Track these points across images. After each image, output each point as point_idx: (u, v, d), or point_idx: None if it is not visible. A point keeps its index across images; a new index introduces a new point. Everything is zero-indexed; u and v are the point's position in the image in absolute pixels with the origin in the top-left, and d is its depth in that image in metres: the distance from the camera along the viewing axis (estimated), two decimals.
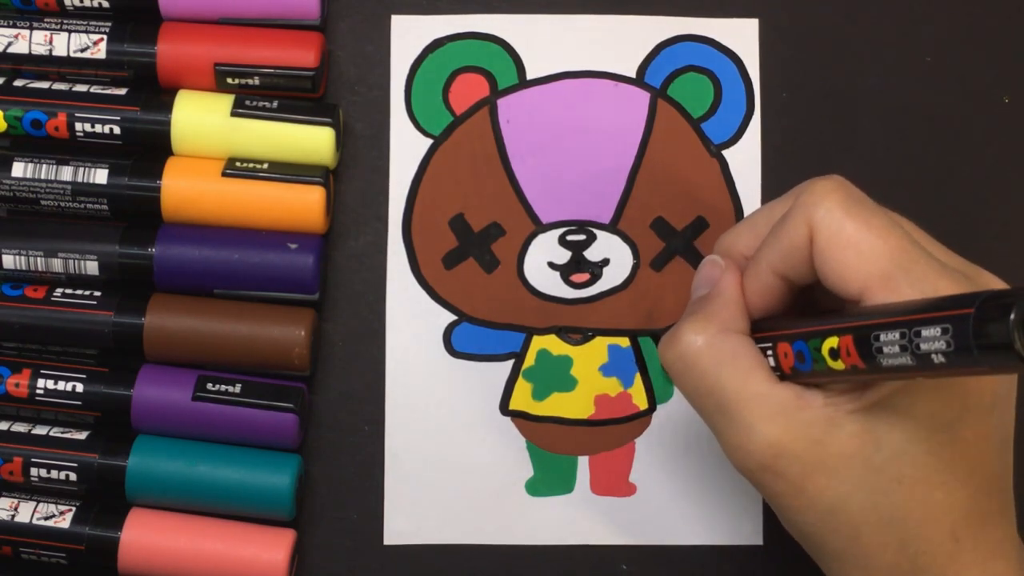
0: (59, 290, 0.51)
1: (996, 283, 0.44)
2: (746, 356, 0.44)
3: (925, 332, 0.37)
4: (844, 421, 0.42)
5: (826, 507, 0.43)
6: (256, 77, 0.51)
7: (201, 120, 0.51)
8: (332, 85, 0.54)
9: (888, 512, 0.42)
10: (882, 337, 0.38)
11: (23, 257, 0.51)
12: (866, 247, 0.41)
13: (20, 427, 0.51)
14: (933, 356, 0.37)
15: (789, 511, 0.44)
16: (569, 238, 0.53)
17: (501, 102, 0.54)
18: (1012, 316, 0.34)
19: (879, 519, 0.42)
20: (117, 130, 0.51)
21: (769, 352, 0.44)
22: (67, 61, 0.51)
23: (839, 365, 0.41)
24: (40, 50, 0.51)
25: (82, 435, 0.51)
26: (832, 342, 0.41)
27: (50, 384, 0.51)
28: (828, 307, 0.44)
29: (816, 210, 0.42)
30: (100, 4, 0.52)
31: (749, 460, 0.43)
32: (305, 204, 0.51)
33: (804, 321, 0.43)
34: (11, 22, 0.52)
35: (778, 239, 0.44)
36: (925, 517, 0.42)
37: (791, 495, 0.43)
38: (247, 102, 0.51)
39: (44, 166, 0.51)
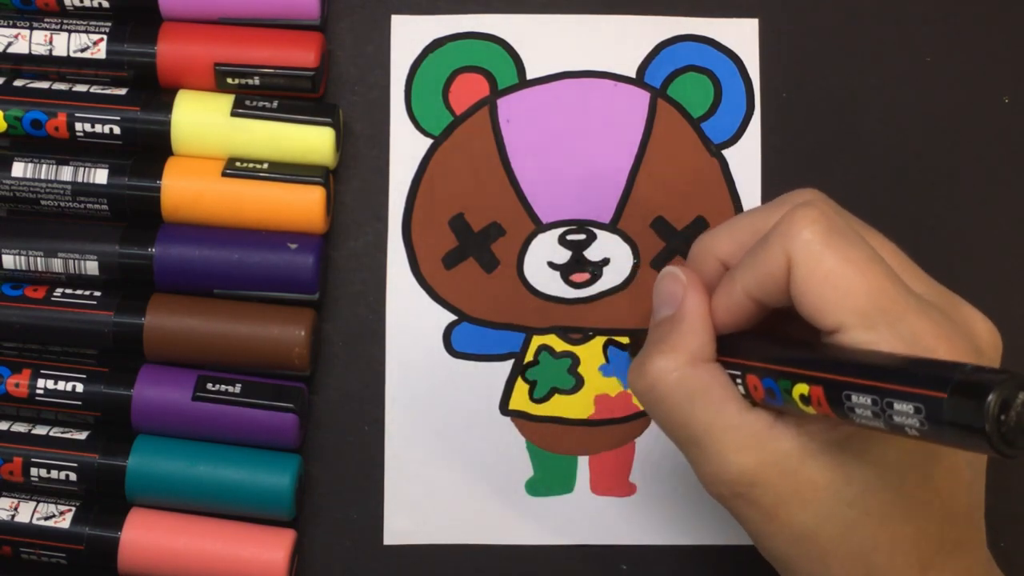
0: (59, 290, 0.51)
1: (974, 316, 0.44)
2: (717, 387, 0.43)
3: (898, 405, 0.36)
4: (817, 453, 0.42)
5: (796, 535, 0.43)
6: (256, 77, 0.51)
7: (201, 120, 0.51)
8: (332, 85, 0.54)
9: (857, 544, 0.42)
10: (854, 398, 0.38)
11: (23, 257, 0.51)
12: (844, 283, 0.41)
13: (20, 427, 0.51)
14: (906, 428, 0.36)
15: (761, 536, 0.44)
16: (569, 238, 0.53)
17: (501, 102, 0.54)
18: (987, 405, 0.33)
19: (848, 550, 0.42)
20: (117, 130, 0.51)
21: (739, 380, 0.43)
22: (67, 61, 0.51)
23: (810, 410, 0.40)
24: (40, 50, 0.51)
25: (82, 435, 0.51)
26: (803, 388, 0.40)
27: (50, 384, 0.51)
28: (802, 331, 0.43)
29: (795, 241, 0.41)
30: (100, 4, 0.52)
31: (722, 488, 0.43)
32: (305, 204, 0.51)
33: (774, 351, 0.42)
34: (11, 22, 0.52)
35: (755, 265, 0.43)
36: (894, 550, 0.42)
37: (763, 522, 0.43)
38: (247, 102, 0.51)
39: (44, 166, 0.51)
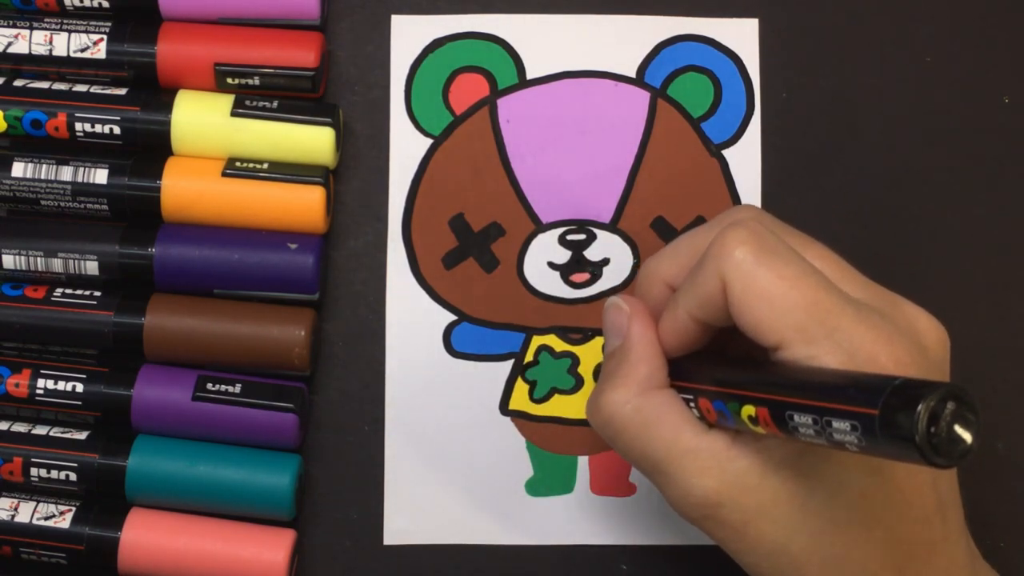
0: (59, 290, 0.51)
1: (917, 315, 0.44)
2: (670, 414, 0.43)
3: (836, 423, 0.36)
4: (777, 467, 0.42)
5: (769, 550, 0.43)
6: (256, 77, 0.51)
7: (201, 120, 0.51)
8: (332, 85, 0.54)
9: (829, 552, 0.42)
10: (796, 418, 0.38)
11: (23, 257, 0.51)
12: (779, 299, 0.41)
13: (20, 427, 0.51)
14: (846, 445, 0.36)
15: (736, 554, 0.44)
16: (569, 238, 0.53)
17: (501, 102, 0.54)
18: (916, 419, 0.34)
19: (821, 560, 0.42)
20: (117, 130, 0.51)
21: (692, 404, 0.44)
22: (67, 61, 0.51)
23: (760, 430, 0.40)
24: (40, 50, 0.51)
25: (82, 435, 0.51)
26: (750, 410, 0.40)
27: (50, 384, 0.51)
28: (750, 348, 0.43)
29: (727, 262, 0.41)
30: (100, 4, 0.52)
31: (690, 511, 0.44)
32: (305, 204, 0.51)
33: (722, 372, 0.43)
34: (11, 22, 0.52)
35: (693, 288, 0.43)
36: (865, 556, 0.42)
37: (735, 540, 0.43)
38: (247, 102, 0.51)
39: (44, 166, 0.51)
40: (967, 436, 0.34)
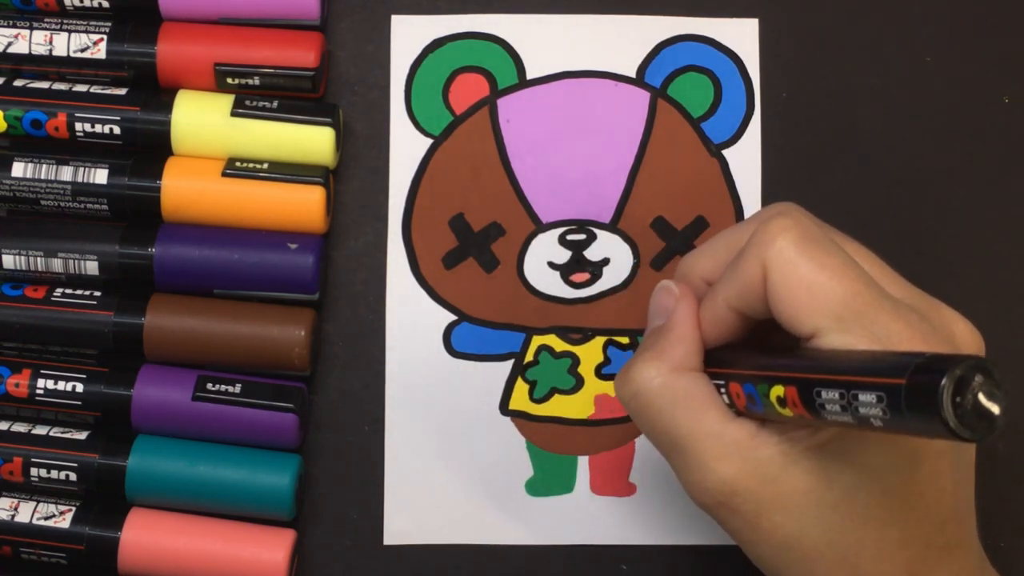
0: (59, 290, 0.51)
1: (954, 319, 0.44)
2: (699, 395, 0.44)
3: (862, 396, 0.36)
4: (798, 458, 0.42)
5: (781, 542, 0.43)
6: (256, 77, 0.51)
7: (201, 120, 0.51)
8: (332, 85, 0.54)
9: (842, 548, 0.42)
10: (823, 394, 0.38)
11: (23, 257, 0.51)
12: (819, 288, 0.41)
13: (20, 427, 0.51)
14: (872, 420, 0.36)
15: (747, 545, 0.44)
16: (569, 238, 0.53)
17: (501, 102, 0.54)
18: (942, 388, 0.33)
19: (834, 555, 0.42)
20: (117, 130, 0.51)
21: (723, 389, 0.44)
22: (67, 61, 0.51)
23: (788, 412, 0.40)
24: (40, 50, 0.51)
25: (82, 435, 0.51)
26: (779, 391, 0.40)
27: (50, 384, 0.51)
28: (784, 341, 0.43)
29: (769, 250, 0.42)
30: (100, 4, 0.52)
31: (704, 497, 0.43)
32: (305, 204, 0.51)
33: (755, 360, 0.43)
34: (11, 22, 0.52)
35: (733, 277, 0.43)
36: (879, 554, 0.42)
37: (747, 530, 0.43)
38: (247, 102, 0.51)
39: (44, 166, 0.51)
40: (994, 408, 0.34)
